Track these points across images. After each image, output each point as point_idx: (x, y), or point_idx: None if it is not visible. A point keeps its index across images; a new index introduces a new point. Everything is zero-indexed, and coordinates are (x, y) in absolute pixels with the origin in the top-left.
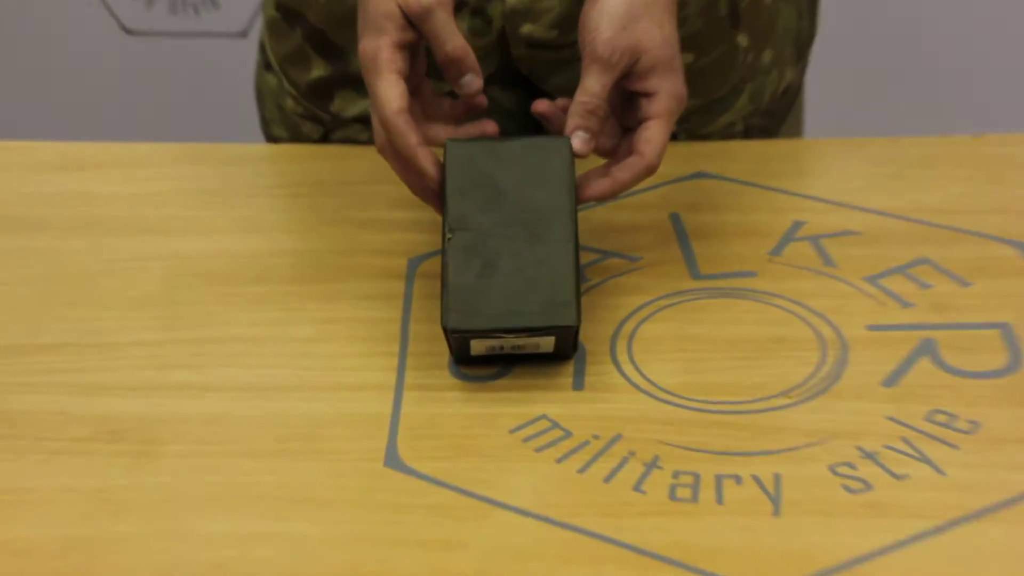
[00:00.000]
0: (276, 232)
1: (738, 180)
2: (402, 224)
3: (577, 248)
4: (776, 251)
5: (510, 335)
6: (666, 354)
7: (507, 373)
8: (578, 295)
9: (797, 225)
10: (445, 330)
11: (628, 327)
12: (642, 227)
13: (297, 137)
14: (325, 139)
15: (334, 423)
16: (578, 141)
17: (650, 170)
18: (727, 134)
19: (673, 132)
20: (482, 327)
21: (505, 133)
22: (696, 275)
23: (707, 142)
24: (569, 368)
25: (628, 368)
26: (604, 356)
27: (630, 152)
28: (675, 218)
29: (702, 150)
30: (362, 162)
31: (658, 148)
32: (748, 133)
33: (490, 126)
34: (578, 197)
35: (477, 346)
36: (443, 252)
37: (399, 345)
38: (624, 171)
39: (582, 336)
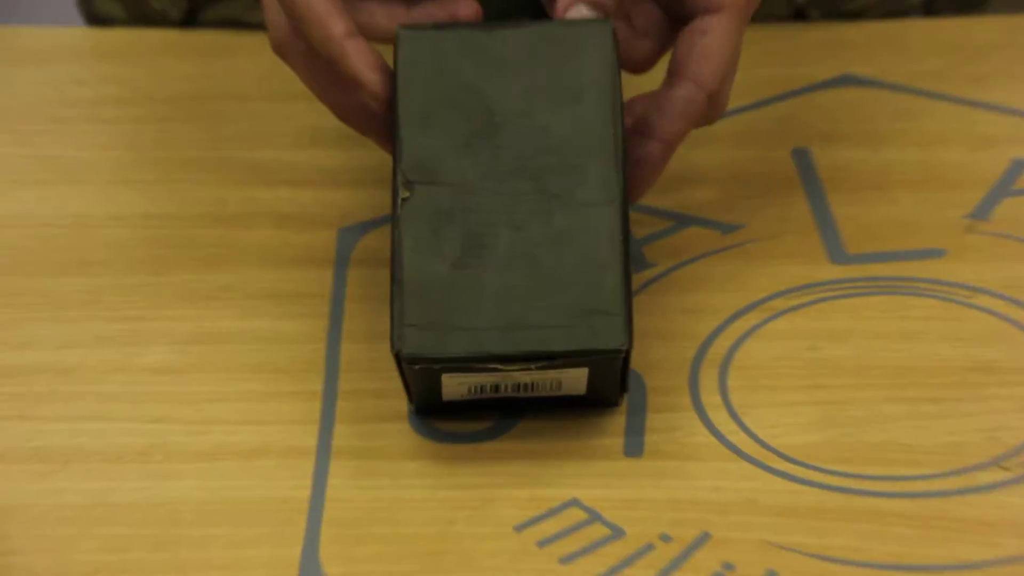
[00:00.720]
0: (105, 184)
1: (912, 89)
2: (325, 172)
3: (626, 214)
4: (979, 213)
5: (511, 366)
6: (786, 392)
7: (508, 429)
8: (628, 296)
9: (1018, 167)
10: (398, 358)
11: (719, 347)
12: (743, 172)
13: (143, 16)
14: (191, 20)
15: (212, 517)
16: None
17: (713, 107)
18: (893, 9)
19: (798, 6)
20: (461, 353)
21: (493, 15)
22: (839, 256)
23: (858, 22)
24: (616, 420)
25: (720, 417)
26: (678, 397)
27: (674, 76)
28: (801, 157)
29: (848, 37)
30: (254, 63)
31: (720, 67)
32: (931, 6)
33: (466, 5)
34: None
35: (453, 385)
36: (394, 222)
37: (323, 382)
38: (666, 117)
39: (638, 363)
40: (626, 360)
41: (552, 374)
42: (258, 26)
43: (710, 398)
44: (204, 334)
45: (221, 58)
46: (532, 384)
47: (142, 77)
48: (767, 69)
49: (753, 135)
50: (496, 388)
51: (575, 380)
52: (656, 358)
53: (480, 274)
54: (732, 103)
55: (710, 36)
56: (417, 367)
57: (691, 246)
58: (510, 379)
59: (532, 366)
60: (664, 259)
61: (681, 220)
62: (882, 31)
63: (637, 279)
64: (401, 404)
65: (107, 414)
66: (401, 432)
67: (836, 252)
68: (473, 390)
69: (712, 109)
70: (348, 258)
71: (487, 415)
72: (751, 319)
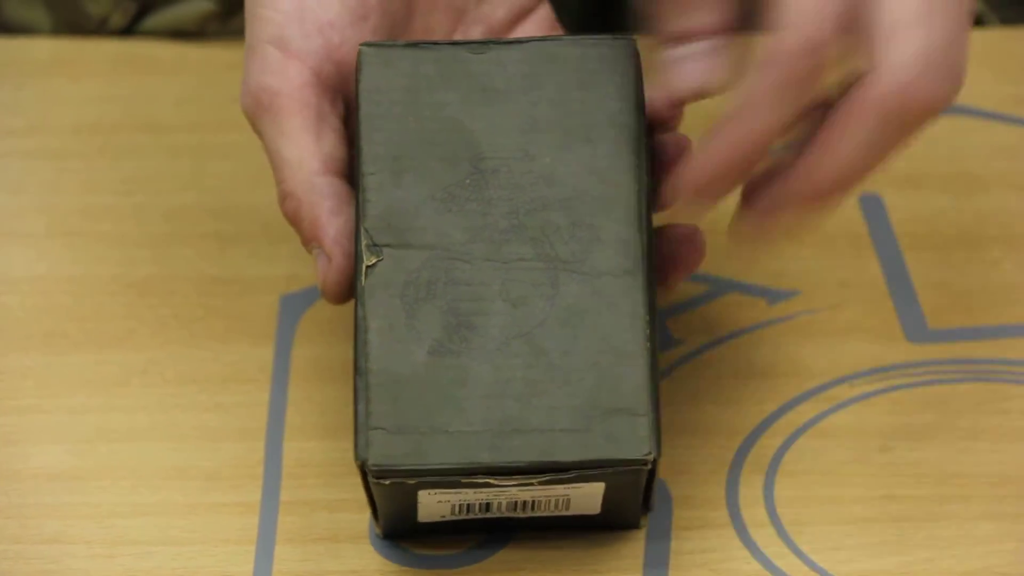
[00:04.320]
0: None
1: (1013, 118)
2: (265, 222)
3: (653, 285)
4: None
5: (507, 480)
6: (851, 505)
7: (496, 551)
8: (655, 391)
9: None
10: (363, 470)
11: (765, 447)
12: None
13: (74, 24)
14: (133, 27)
15: None
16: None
17: (806, 44)
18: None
19: None
20: (442, 464)
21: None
22: (918, 332)
23: None
24: (634, 545)
25: (765, 536)
26: (712, 510)
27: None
28: (871, 205)
29: None
30: (182, 83)
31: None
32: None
33: None
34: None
35: (432, 504)
36: (357, 296)
37: (261, 490)
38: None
39: (662, 468)
40: (652, 472)
41: (558, 490)
42: (209, 33)
43: (753, 512)
44: (111, 430)
45: (132, 77)
46: (533, 503)
47: (30, 100)
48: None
49: None
50: (487, 507)
51: (587, 498)
52: (685, 461)
53: (467, 363)
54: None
55: None
56: (387, 482)
57: (729, 318)
58: (505, 496)
59: (534, 480)
60: (695, 335)
61: (717, 285)
62: (973, 45)
63: (661, 360)
64: (361, 519)
65: None
66: (360, 555)
67: (915, 327)
68: (457, 510)
69: (817, 71)
70: (293, 332)
71: (470, 534)
72: (806, 411)
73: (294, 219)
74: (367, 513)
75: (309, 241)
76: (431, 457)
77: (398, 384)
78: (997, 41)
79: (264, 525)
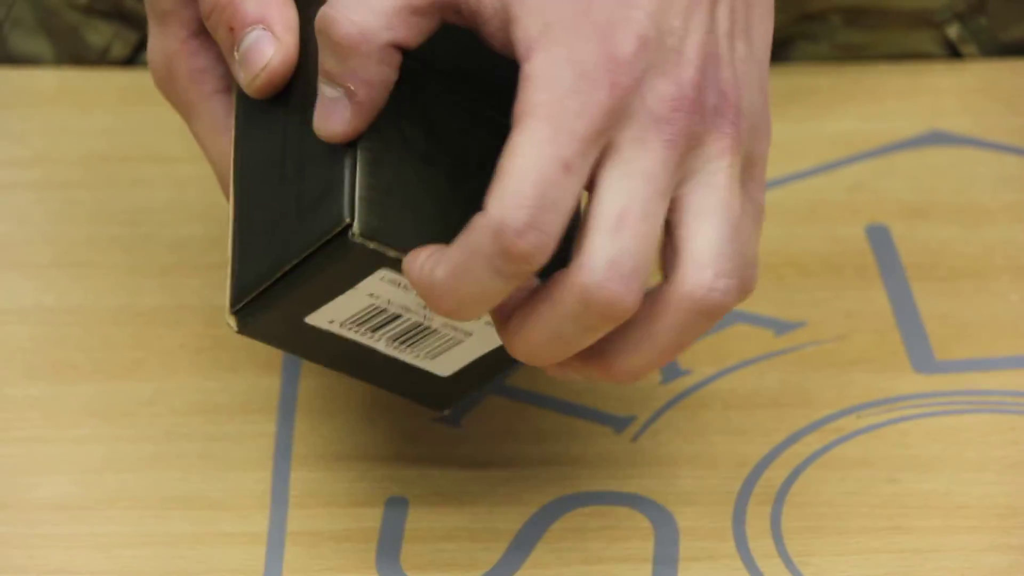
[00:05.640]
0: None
1: (1019, 149)
2: None
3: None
4: None
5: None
6: (858, 536)
7: None
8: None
9: None
10: (342, 232)
11: (772, 478)
12: (803, 254)
13: (76, 55)
14: (136, 58)
15: None
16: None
17: (508, 256)
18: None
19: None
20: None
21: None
22: (925, 363)
23: (951, 62)
24: (639, 572)
25: (773, 568)
26: (719, 541)
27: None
28: (878, 235)
29: (938, 81)
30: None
31: (516, 188)
32: None
33: None
34: None
35: (358, 298)
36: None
37: (268, 520)
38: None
39: (668, 497)
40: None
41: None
42: None
43: (760, 543)
44: (118, 460)
45: (141, 107)
46: (424, 329)
47: (36, 131)
48: (834, 123)
49: (816, 207)
50: (393, 318)
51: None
52: (691, 491)
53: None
54: (788, 167)
55: (506, 156)
56: (372, 245)
57: (736, 349)
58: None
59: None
60: (702, 365)
61: (724, 315)
62: (981, 74)
63: (669, 390)
64: (367, 550)
65: None
66: None
67: (922, 358)
68: (359, 316)
69: (507, 259)
70: (300, 362)
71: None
72: (812, 443)
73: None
74: (374, 543)
75: (249, 24)
76: (409, 242)
77: (381, 165)
78: (1004, 73)
79: (271, 556)
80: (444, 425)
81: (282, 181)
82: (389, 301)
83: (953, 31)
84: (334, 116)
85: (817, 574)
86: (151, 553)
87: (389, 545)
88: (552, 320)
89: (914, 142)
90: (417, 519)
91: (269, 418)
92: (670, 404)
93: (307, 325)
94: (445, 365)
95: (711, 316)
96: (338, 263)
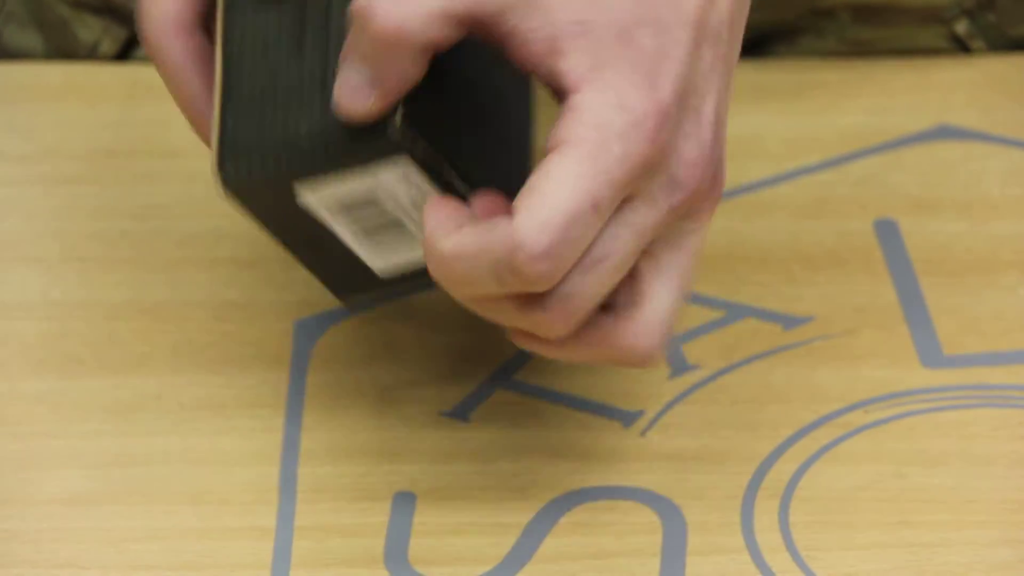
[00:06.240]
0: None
1: None
2: (278, 248)
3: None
4: None
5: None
6: (866, 531)
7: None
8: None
9: None
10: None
11: (780, 473)
12: (811, 249)
13: (67, 49)
14: (126, 54)
15: None
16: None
17: (522, 276)
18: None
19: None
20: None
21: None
22: (934, 358)
23: (959, 57)
24: (647, 564)
25: (780, 562)
26: (727, 536)
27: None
28: (886, 230)
29: (947, 75)
30: None
31: (554, 219)
32: None
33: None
34: None
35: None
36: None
37: (276, 515)
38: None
39: (677, 491)
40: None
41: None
42: None
43: (768, 538)
44: (126, 455)
45: (148, 102)
46: (395, 225)
47: (43, 126)
48: (842, 117)
49: (825, 202)
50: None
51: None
52: (699, 486)
53: None
54: (796, 161)
55: (542, 175)
56: (412, 130)
57: (745, 343)
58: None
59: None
60: (711, 360)
61: (732, 310)
62: (989, 69)
63: (677, 385)
64: (375, 545)
65: None
66: None
67: (930, 352)
68: (350, 198)
69: (513, 274)
70: (307, 357)
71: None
72: (821, 437)
73: None
74: (382, 538)
75: None
76: (438, 144)
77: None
78: (1013, 68)
79: (279, 550)
80: (452, 420)
81: (297, 54)
82: (386, 192)
83: (961, 27)
84: (358, 97)
85: (825, 568)
86: (159, 547)
87: (397, 540)
88: (477, 263)
89: (922, 136)
90: (425, 513)
91: (277, 413)
92: (679, 399)
93: (290, 196)
94: (385, 262)
95: (631, 365)
96: (370, 140)
